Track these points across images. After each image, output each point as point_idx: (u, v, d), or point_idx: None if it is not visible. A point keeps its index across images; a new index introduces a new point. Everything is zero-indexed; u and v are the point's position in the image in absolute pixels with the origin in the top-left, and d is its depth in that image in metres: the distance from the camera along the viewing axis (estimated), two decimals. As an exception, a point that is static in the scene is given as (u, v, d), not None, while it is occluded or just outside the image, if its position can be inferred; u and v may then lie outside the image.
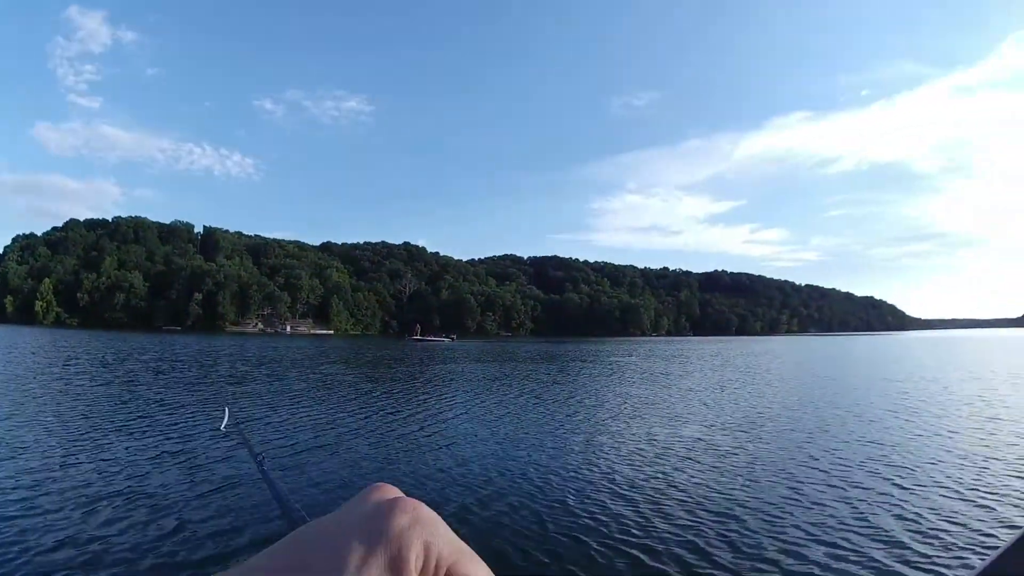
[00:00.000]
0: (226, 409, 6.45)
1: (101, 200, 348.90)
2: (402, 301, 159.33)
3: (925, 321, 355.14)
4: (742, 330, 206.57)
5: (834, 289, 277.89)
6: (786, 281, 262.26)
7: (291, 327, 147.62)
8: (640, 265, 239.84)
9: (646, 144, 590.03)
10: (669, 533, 6.51)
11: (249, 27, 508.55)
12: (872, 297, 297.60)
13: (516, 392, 20.92)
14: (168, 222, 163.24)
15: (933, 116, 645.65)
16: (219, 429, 8.63)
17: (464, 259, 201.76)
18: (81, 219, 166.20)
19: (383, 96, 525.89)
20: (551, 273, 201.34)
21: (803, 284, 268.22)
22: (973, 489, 8.23)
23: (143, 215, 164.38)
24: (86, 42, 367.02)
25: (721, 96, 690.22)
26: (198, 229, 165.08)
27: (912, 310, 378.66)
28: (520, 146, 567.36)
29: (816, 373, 31.03)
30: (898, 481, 8.71)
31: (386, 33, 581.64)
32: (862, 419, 14.71)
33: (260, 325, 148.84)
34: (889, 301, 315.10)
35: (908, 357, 46.48)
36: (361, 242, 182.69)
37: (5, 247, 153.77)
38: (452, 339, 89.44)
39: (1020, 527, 5.36)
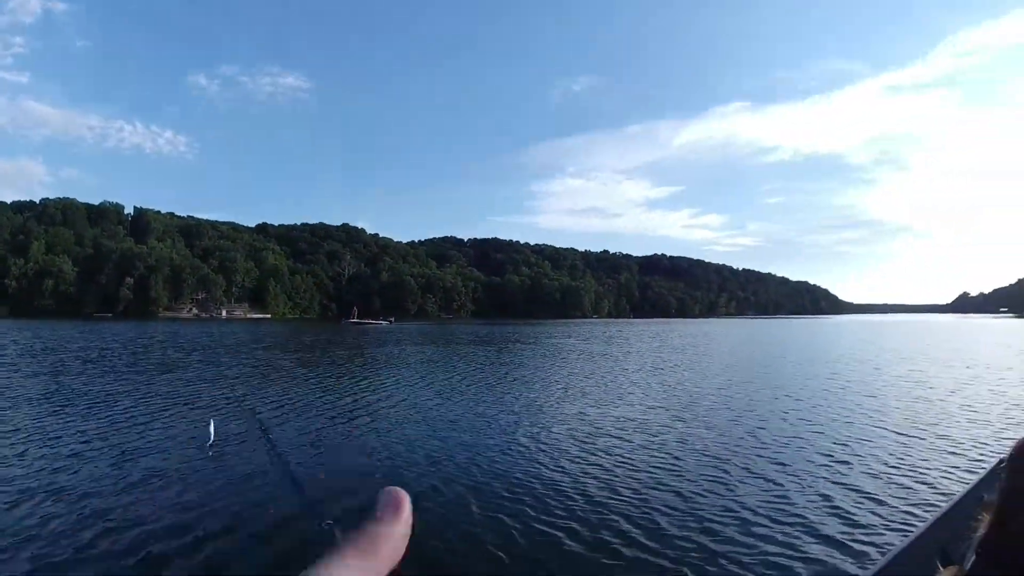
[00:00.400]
0: (211, 423, 6.36)
1: (27, 181, 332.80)
2: (341, 284, 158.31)
3: (858, 306, 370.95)
4: (681, 312, 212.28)
5: (770, 274, 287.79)
6: (724, 265, 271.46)
7: (226, 311, 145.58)
8: (581, 248, 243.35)
9: (586, 129, 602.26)
10: (607, 510, 6.65)
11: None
12: (807, 282, 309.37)
13: (456, 375, 20.80)
14: (97, 203, 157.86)
15: (867, 112, 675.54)
16: (208, 446, 8.19)
17: (404, 241, 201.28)
18: (7, 201, 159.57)
19: (322, 73, 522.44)
20: (492, 255, 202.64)
21: (740, 268, 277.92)
22: (899, 465, 8.57)
23: (71, 196, 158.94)
24: (16, 13, 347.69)
25: (662, 84, 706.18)
26: (128, 210, 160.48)
27: (845, 295, 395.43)
28: (462, 129, 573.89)
29: (752, 354, 32.11)
30: (828, 455, 9.04)
31: (325, 8, 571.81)
32: (795, 398, 15.08)
33: (195, 310, 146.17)
34: (823, 286, 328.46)
35: (841, 339, 48.46)
36: (299, 223, 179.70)
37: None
38: (391, 322, 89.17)
39: (936, 504, 6.10)
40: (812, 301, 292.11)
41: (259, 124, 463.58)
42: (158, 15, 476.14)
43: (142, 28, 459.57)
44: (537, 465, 8.47)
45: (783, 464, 8.49)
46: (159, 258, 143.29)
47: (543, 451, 9.36)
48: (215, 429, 7.56)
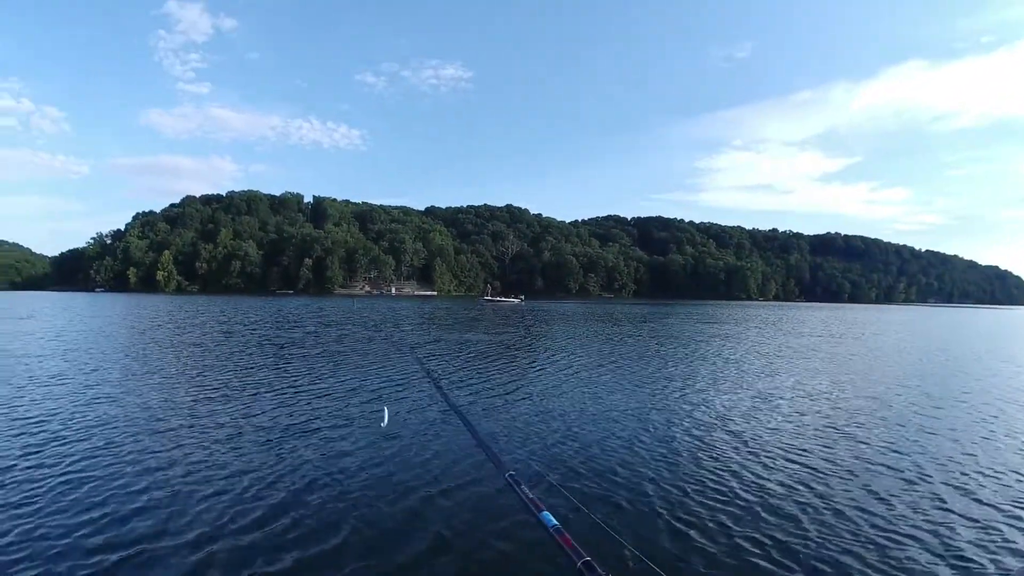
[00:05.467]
0: (385, 410, 7.23)
1: (219, 177, 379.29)
2: (504, 262, 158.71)
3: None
4: (855, 297, 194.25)
5: (956, 256, 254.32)
6: (904, 246, 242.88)
7: (396, 289, 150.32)
8: (748, 226, 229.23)
9: (752, 98, 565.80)
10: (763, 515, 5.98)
11: (339, 5, 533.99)
12: (997, 267, 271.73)
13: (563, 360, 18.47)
14: (279, 194, 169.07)
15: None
16: (382, 426, 8.75)
17: (567, 220, 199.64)
18: (197, 195, 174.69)
19: (481, 61, 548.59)
20: (655, 234, 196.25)
21: (923, 250, 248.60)
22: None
23: (258, 188, 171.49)
24: (188, 33, 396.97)
25: (831, 44, 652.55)
26: (308, 199, 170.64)
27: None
28: (623, 103, 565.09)
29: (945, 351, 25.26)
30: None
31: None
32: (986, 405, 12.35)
33: (367, 287, 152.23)
34: (1015, 272, 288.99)
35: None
36: (464, 205, 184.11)
37: (127, 224, 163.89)
38: (521, 300, 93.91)
39: None
40: (1003, 288, 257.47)
41: (425, 114, 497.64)
42: (321, 22, 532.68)
43: (307, 36, 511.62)
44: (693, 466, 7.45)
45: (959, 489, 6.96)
46: (335, 241, 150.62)
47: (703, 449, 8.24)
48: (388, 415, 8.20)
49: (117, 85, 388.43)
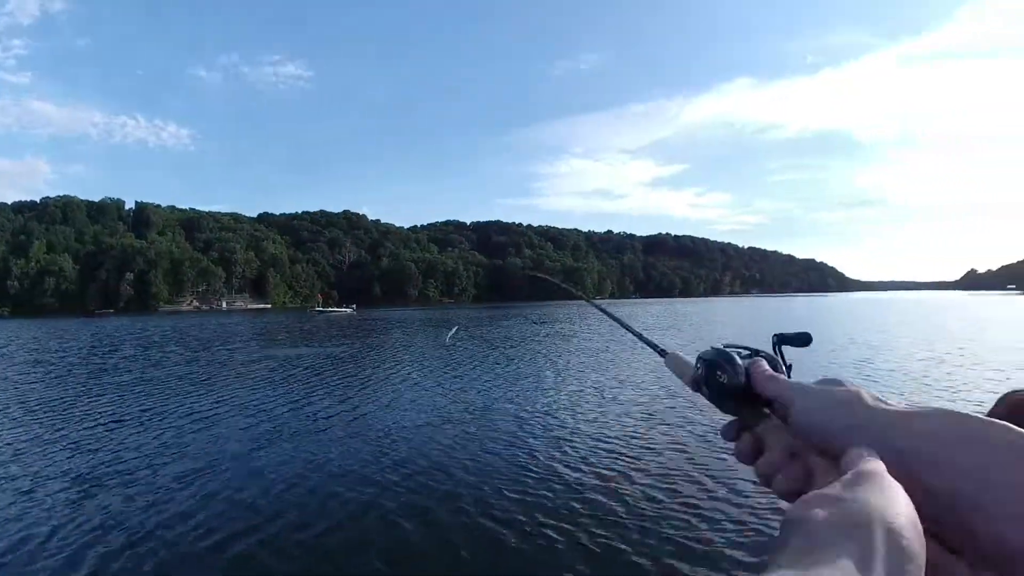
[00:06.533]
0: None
1: (32, 180, 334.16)
2: (342, 271, 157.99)
3: (865, 283, 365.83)
4: (685, 292, 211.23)
5: (776, 251, 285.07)
6: (729, 244, 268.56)
7: (227, 303, 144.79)
8: (585, 229, 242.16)
9: (591, 109, 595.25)
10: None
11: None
12: (813, 260, 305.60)
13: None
14: (98, 200, 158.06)
15: (879, 85, 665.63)
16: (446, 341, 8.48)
17: (406, 226, 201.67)
18: (9, 202, 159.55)
19: (322, 61, 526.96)
20: (494, 238, 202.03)
21: (746, 247, 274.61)
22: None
23: (76, 193, 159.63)
24: (15, 15, 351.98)
25: (667, 61, 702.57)
26: (130, 205, 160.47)
27: (853, 272, 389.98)
28: (463, 110, 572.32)
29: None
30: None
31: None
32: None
33: (195, 302, 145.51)
34: (831, 264, 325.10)
35: (853, 317, 44.54)
36: (300, 212, 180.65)
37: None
38: (353, 309, 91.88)
39: None
40: (819, 279, 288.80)
41: (262, 114, 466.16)
42: (158, 7, 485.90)
43: (140, 23, 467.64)
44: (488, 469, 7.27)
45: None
46: (159, 252, 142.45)
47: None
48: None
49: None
